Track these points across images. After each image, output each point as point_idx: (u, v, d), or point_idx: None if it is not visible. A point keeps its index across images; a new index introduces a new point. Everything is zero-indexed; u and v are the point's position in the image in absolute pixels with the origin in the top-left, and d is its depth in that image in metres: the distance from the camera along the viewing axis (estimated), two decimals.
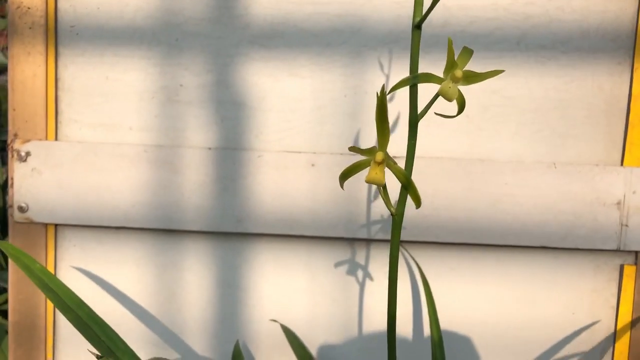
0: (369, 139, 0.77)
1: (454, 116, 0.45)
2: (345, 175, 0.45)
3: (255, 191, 0.77)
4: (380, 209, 0.77)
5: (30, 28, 0.77)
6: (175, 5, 0.76)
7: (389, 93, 0.41)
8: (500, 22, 0.75)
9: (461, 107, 0.43)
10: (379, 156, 0.42)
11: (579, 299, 0.79)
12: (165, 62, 0.77)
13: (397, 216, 0.46)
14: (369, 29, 0.75)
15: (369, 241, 0.78)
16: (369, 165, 0.43)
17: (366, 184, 0.77)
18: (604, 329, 0.79)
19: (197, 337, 0.81)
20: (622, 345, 0.78)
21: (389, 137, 0.43)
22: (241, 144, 0.77)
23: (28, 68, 0.77)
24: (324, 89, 0.77)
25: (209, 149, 0.77)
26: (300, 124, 0.77)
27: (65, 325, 0.81)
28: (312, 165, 0.76)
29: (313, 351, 0.80)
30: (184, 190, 0.77)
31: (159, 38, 0.77)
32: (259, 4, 0.76)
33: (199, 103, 0.78)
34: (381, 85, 0.75)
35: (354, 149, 0.42)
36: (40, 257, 0.79)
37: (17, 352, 0.82)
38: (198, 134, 0.78)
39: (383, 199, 0.45)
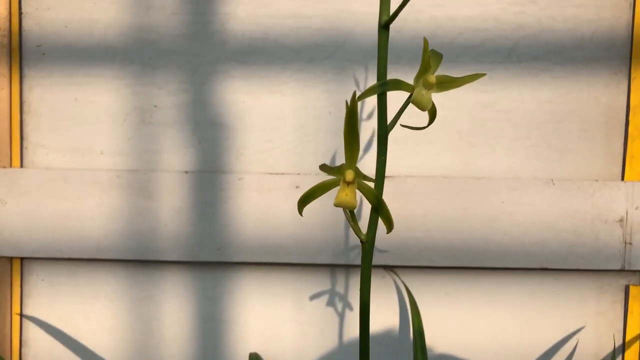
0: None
1: (424, 127, 0.40)
2: (305, 200, 0.39)
3: (236, 216, 0.72)
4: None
5: None
6: (148, 22, 0.72)
7: (358, 100, 0.35)
8: (490, 32, 0.72)
9: (432, 117, 0.39)
10: (349, 175, 0.36)
11: (582, 323, 0.74)
12: (138, 81, 0.73)
13: (367, 243, 0.40)
14: (353, 43, 0.72)
15: (357, 267, 0.73)
16: (335, 185, 0.38)
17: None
18: (610, 355, 0.74)
19: None
20: None
21: (358, 152, 0.37)
22: (220, 167, 0.73)
23: None
24: (307, 106, 0.72)
25: (186, 172, 0.72)
26: (283, 144, 0.73)
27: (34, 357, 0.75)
28: (297, 187, 0.71)
29: None
30: (160, 218, 0.72)
31: (131, 57, 0.72)
32: (236, 19, 0.72)
33: (175, 124, 0.73)
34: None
35: (324, 167, 0.37)
36: (4, 294, 0.74)
37: None
38: (174, 157, 0.73)
39: (351, 224, 0.40)
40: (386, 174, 0.70)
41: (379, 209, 0.38)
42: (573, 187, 0.71)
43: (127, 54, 0.72)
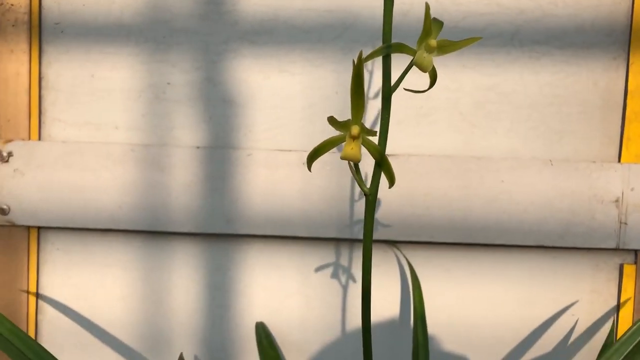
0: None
1: (425, 90, 0.43)
2: (314, 155, 0.43)
3: (244, 191, 0.74)
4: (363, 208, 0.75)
5: (13, 25, 0.75)
6: (163, 2, 0.75)
7: (365, 60, 0.39)
8: (494, 17, 0.74)
9: (433, 80, 0.42)
10: (355, 130, 0.40)
11: (578, 300, 0.77)
12: (152, 59, 0.75)
13: (370, 196, 0.44)
14: (361, 25, 0.74)
15: (361, 241, 0.76)
16: (342, 141, 0.41)
17: (356, 187, 0.75)
18: (604, 331, 0.77)
19: (185, 342, 0.78)
20: None
21: (363, 110, 0.40)
22: (230, 143, 0.75)
23: (11, 66, 0.75)
24: (315, 85, 0.75)
25: (197, 147, 0.75)
26: (291, 122, 0.75)
27: (48, 336, 0.78)
28: (303, 163, 0.74)
29: (306, 354, 0.78)
30: (172, 191, 0.75)
31: (146, 35, 0.75)
32: (248, 0, 0.74)
33: (187, 101, 0.76)
34: (369, 77, 0.73)
35: (332, 120, 0.40)
36: (22, 262, 0.77)
37: None
38: (186, 133, 0.76)
39: (355, 178, 0.43)
40: (390, 153, 0.73)
41: (382, 164, 0.42)
42: (571, 168, 0.73)
43: (142, 33, 0.75)
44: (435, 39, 0.40)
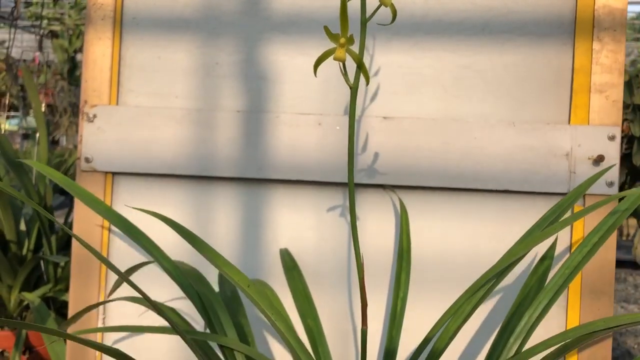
0: (365, 102, 0.96)
1: (390, 23, 0.64)
2: (318, 63, 0.64)
3: (272, 145, 0.96)
4: (365, 159, 0.95)
5: (102, 19, 0.99)
6: (214, 1, 0.98)
7: None
8: (469, 13, 0.96)
9: (394, 15, 0.62)
10: (342, 40, 0.61)
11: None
12: (205, 44, 0.98)
13: (353, 89, 0.64)
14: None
15: (364, 185, 0.96)
16: (333, 53, 0.62)
17: (361, 143, 0.96)
18: (560, 264, 0.94)
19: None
20: (576, 281, 0.94)
21: (347, 26, 0.62)
22: (262, 108, 0.97)
23: (98, 50, 0.99)
24: (328, 65, 0.96)
25: (238, 111, 0.97)
26: (310, 93, 0.97)
27: (116, 260, 0.99)
28: (319, 124, 0.95)
29: (319, 275, 0.97)
30: (217, 144, 0.97)
31: (200, 27, 0.98)
32: (279, 0, 0.97)
33: (231, 77, 0.98)
34: (370, 59, 0.95)
35: (328, 31, 0.61)
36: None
37: (76, 282, 0.99)
38: (229, 100, 0.98)
39: (343, 75, 0.64)
40: (386, 116, 0.94)
41: (360, 66, 0.63)
42: (530, 128, 0.93)
43: (198, 25, 0.98)
44: None
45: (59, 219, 1.96)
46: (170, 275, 0.72)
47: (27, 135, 5.37)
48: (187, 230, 0.71)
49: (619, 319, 0.63)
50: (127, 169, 0.98)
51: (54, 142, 5.26)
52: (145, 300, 0.72)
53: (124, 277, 0.57)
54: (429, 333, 0.64)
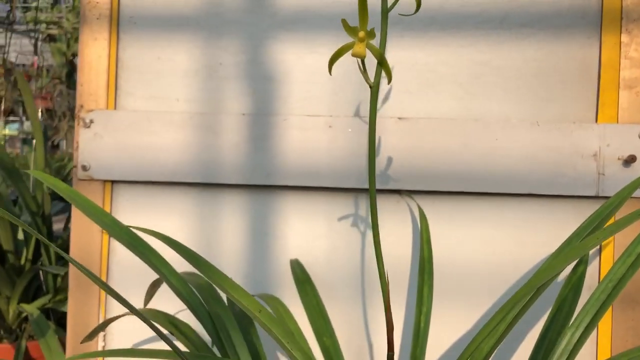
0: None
1: (414, 13, 0.58)
2: (333, 60, 0.58)
3: (281, 149, 0.90)
4: (379, 163, 0.89)
5: (97, 18, 0.93)
6: None
7: None
8: (487, 5, 0.90)
9: (418, 5, 0.57)
10: (361, 34, 0.55)
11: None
12: (207, 44, 0.93)
13: (374, 87, 0.58)
14: (376, 15, 0.90)
15: (380, 191, 0.91)
16: (351, 48, 0.56)
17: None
18: (589, 271, 0.89)
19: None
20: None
21: (367, 19, 0.56)
22: (269, 110, 0.92)
23: (94, 51, 0.93)
24: (338, 63, 0.91)
25: (243, 114, 0.91)
26: (319, 94, 0.91)
27: (116, 269, 0.94)
28: (330, 126, 0.90)
29: (330, 286, 0.91)
30: (222, 150, 0.91)
31: (202, 25, 0.93)
32: None
33: (235, 78, 0.92)
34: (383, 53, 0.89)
35: (345, 24, 0.55)
36: None
37: (75, 296, 0.94)
38: (234, 103, 0.92)
39: (362, 73, 0.58)
40: (401, 116, 0.88)
41: (382, 63, 0.57)
42: (554, 128, 0.87)
43: (199, 23, 0.93)
44: None
45: (58, 225, 1.91)
46: (179, 296, 0.67)
47: (26, 140, 5.33)
48: (191, 251, 0.66)
49: None
50: (127, 177, 0.92)
51: (53, 147, 5.21)
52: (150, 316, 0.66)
53: (126, 303, 0.52)
54: (461, 356, 0.59)
